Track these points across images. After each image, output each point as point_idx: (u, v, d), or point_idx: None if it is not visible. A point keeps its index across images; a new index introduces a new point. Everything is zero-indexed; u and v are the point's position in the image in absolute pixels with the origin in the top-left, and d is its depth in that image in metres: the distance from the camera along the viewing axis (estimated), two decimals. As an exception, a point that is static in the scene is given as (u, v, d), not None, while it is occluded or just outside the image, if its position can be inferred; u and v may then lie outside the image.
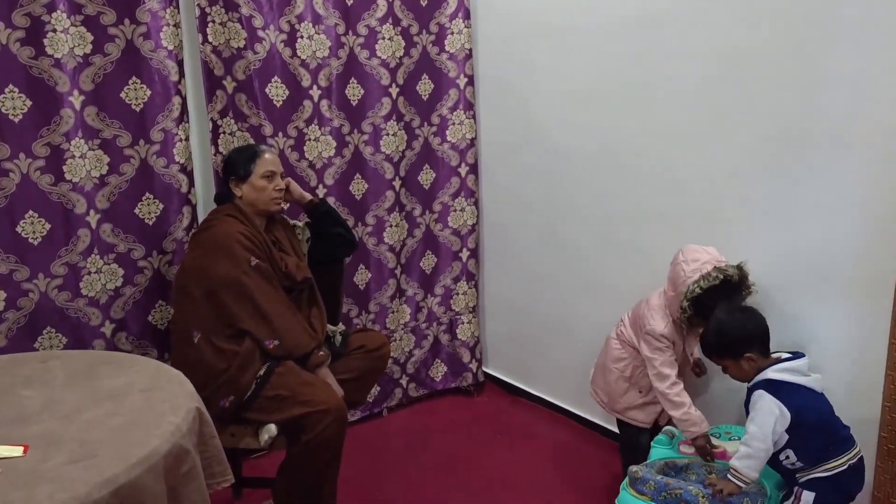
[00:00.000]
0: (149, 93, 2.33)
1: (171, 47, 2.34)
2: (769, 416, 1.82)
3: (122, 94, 2.29)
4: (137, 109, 2.32)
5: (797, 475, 1.90)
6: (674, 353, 2.22)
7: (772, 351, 1.95)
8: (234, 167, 2.25)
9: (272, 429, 2.06)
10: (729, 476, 1.88)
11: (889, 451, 2.03)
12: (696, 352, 2.32)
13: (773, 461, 1.91)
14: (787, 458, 1.89)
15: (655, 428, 2.36)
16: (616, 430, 2.82)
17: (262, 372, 2.08)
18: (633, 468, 1.99)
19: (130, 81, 2.30)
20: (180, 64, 2.38)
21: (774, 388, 1.85)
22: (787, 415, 1.82)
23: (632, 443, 2.40)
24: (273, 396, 2.06)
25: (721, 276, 2.06)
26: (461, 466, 2.72)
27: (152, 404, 1.63)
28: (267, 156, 2.26)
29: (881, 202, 1.96)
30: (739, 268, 2.11)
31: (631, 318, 2.37)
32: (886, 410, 2.02)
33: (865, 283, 2.02)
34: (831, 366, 2.09)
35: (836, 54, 1.99)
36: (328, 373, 2.20)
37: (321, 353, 2.19)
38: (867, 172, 1.98)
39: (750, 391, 1.91)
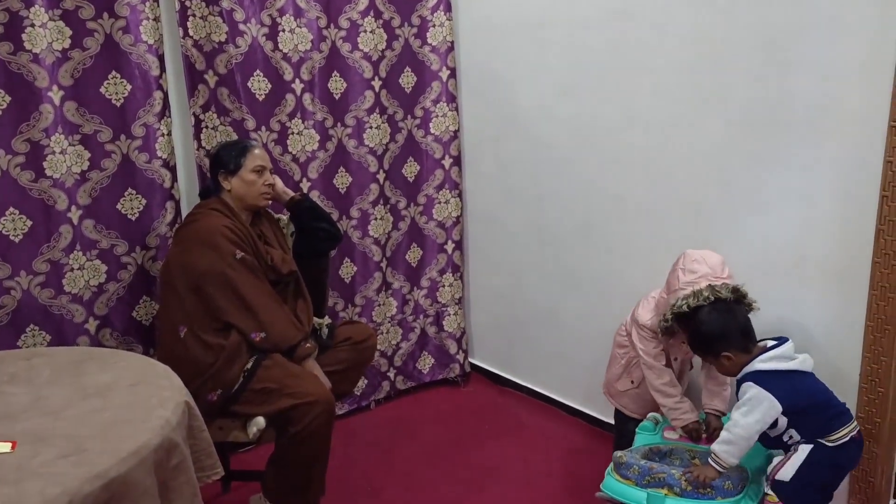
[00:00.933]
0: (129, 87, 2.32)
1: (151, 41, 2.32)
2: (757, 407, 1.84)
3: (102, 89, 2.27)
4: (118, 104, 2.31)
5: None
6: (661, 344, 2.23)
7: (758, 339, 1.96)
8: (224, 161, 2.25)
9: (260, 421, 2.06)
10: (709, 460, 1.91)
11: (865, 431, 2.07)
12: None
13: (776, 441, 1.93)
14: (791, 437, 1.91)
15: None
16: (605, 418, 2.86)
17: (249, 365, 2.09)
18: (618, 453, 2.02)
19: (110, 76, 2.28)
20: (161, 58, 2.37)
21: (763, 379, 1.86)
22: (778, 406, 1.84)
23: (620, 429, 2.44)
24: (261, 389, 2.07)
25: (712, 298, 1.96)
26: (449, 458, 2.73)
27: (141, 399, 1.63)
28: (257, 151, 2.27)
29: (856, 187, 1.99)
30: (735, 290, 1.99)
31: (635, 307, 2.38)
32: (863, 392, 2.06)
33: (842, 268, 2.06)
34: (808, 350, 2.13)
35: (808, 41, 2.03)
36: (315, 364, 2.21)
37: (308, 344, 2.20)
38: (842, 158, 2.01)
39: (739, 383, 1.92)
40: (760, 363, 1.89)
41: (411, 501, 2.48)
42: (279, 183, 2.40)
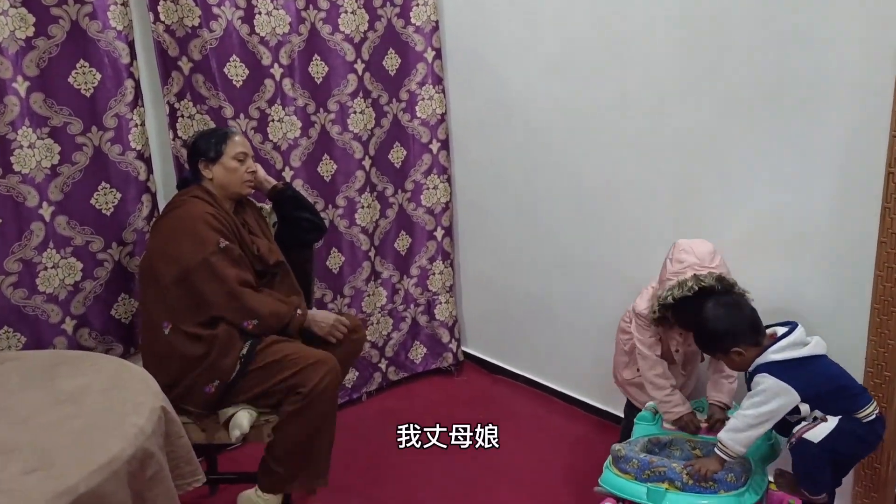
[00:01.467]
0: (99, 76, 2.21)
1: (120, 27, 2.22)
2: (773, 399, 1.76)
3: (70, 79, 2.17)
4: (87, 95, 2.20)
5: None
6: (656, 334, 2.16)
7: (779, 334, 1.87)
8: (204, 149, 2.16)
9: (244, 425, 1.99)
10: (715, 449, 1.84)
11: (872, 416, 2.02)
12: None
13: (791, 427, 1.86)
14: (816, 417, 1.83)
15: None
16: (601, 406, 2.81)
17: (244, 351, 2.02)
18: (616, 446, 1.95)
19: (78, 65, 2.17)
20: (131, 45, 2.26)
21: (779, 369, 1.78)
22: (797, 397, 1.77)
23: (627, 421, 2.37)
24: (263, 366, 2.02)
25: (696, 288, 1.93)
26: (443, 451, 2.66)
27: (114, 405, 1.55)
28: (237, 138, 2.19)
29: (858, 164, 1.92)
30: (721, 279, 1.95)
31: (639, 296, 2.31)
32: (869, 376, 2.00)
33: (845, 249, 1.99)
34: (812, 332, 2.06)
35: (805, 15, 1.94)
36: (317, 312, 2.20)
37: (299, 312, 2.15)
38: (842, 133, 1.94)
39: (751, 374, 1.85)
40: (774, 354, 1.81)
41: (405, 496, 2.42)
42: (261, 171, 2.32)
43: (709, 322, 1.88)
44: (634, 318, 2.18)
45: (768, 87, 2.05)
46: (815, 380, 1.79)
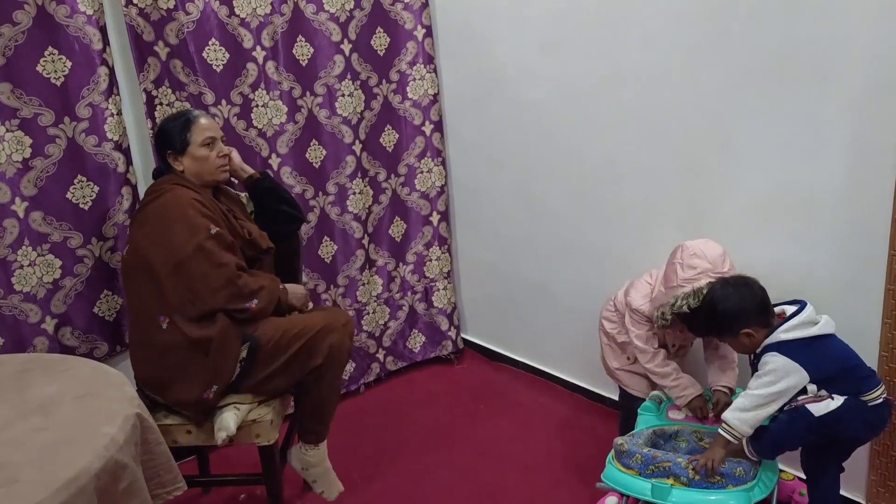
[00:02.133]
0: (69, 64, 2.11)
1: (89, 12, 2.11)
2: (782, 378, 1.70)
3: (39, 68, 2.07)
4: (58, 83, 2.10)
5: None
6: (653, 327, 2.08)
7: (788, 313, 1.79)
8: (169, 139, 2.04)
9: (231, 426, 1.90)
10: (720, 430, 1.76)
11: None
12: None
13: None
14: (822, 395, 1.76)
15: None
16: (603, 392, 2.73)
17: (244, 355, 1.94)
18: (619, 440, 1.86)
19: (47, 53, 2.07)
20: (103, 30, 2.15)
21: (788, 349, 1.72)
22: (806, 377, 1.70)
23: (625, 409, 2.29)
24: (270, 350, 1.95)
25: (701, 291, 1.86)
26: (445, 441, 2.60)
27: (86, 414, 1.47)
28: (202, 120, 2.06)
29: (868, 136, 1.81)
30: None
31: (626, 287, 2.22)
32: (883, 360, 1.90)
33: (856, 226, 1.89)
34: (824, 311, 1.97)
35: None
36: (291, 287, 2.13)
37: (282, 287, 2.09)
38: (851, 106, 1.83)
39: (759, 355, 1.77)
40: (783, 333, 1.74)
41: (406, 488, 2.35)
42: (236, 156, 2.19)
43: (718, 304, 1.81)
44: (629, 313, 2.10)
45: (775, 56, 1.94)
46: (825, 360, 1.73)
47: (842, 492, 2.06)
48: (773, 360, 1.72)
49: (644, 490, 1.76)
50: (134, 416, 1.48)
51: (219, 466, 2.41)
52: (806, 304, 1.78)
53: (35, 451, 1.34)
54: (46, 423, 1.44)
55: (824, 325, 1.75)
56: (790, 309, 1.79)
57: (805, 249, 2.00)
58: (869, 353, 1.91)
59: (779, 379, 1.71)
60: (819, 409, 1.72)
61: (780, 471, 1.96)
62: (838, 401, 1.72)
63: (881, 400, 1.73)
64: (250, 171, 2.23)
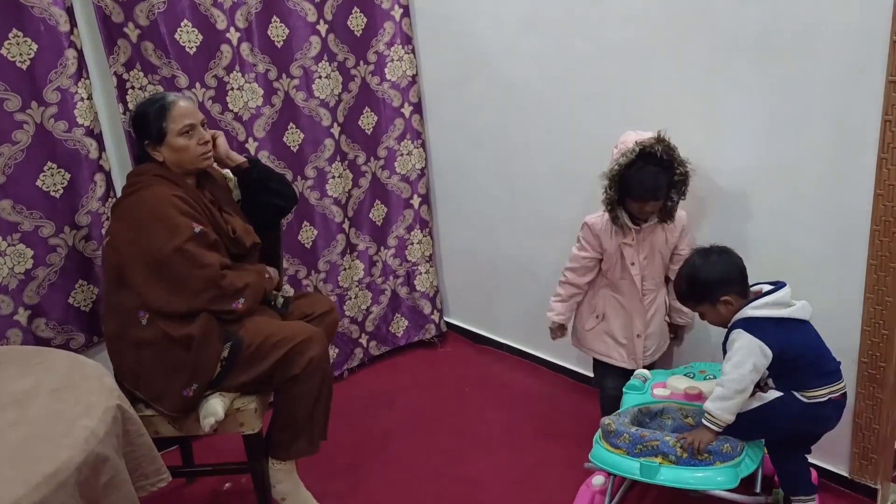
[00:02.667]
0: (35, 47, 2.04)
1: (55, -8, 2.04)
2: (748, 356, 1.70)
3: (4, 51, 1.99)
4: (24, 67, 2.03)
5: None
6: (592, 255, 2.18)
7: (751, 284, 1.81)
8: (146, 128, 1.94)
9: (219, 412, 1.87)
10: (703, 421, 1.76)
11: (869, 376, 1.95)
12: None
13: None
14: (767, 384, 1.81)
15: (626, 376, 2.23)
16: (590, 373, 2.73)
17: (225, 354, 1.89)
18: (606, 420, 1.86)
19: (11, 35, 2.00)
20: (69, 11, 2.08)
21: (754, 326, 1.72)
22: (769, 353, 1.70)
23: (600, 385, 2.30)
24: (246, 358, 1.90)
25: (637, 149, 1.95)
26: (431, 426, 2.59)
27: (63, 408, 1.43)
28: (181, 103, 1.94)
29: (853, 112, 1.81)
30: (661, 140, 1.96)
31: None
32: (866, 335, 1.92)
33: (839, 202, 1.89)
34: (807, 290, 1.97)
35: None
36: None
37: (267, 276, 2.07)
38: (837, 81, 1.82)
39: (729, 331, 1.78)
40: (752, 310, 1.75)
41: (393, 475, 2.34)
42: (223, 143, 2.10)
43: (700, 270, 1.82)
44: (580, 232, 2.18)
45: (758, 32, 1.92)
46: (787, 344, 1.72)
47: (825, 465, 2.10)
48: (739, 338, 1.73)
49: (633, 469, 1.77)
50: (114, 407, 1.44)
51: (202, 456, 2.37)
52: (784, 284, 1.78)
53: (11, 447, 1.30)
54: (22, 417, 1.40)
55: (797, 310, 1.75)
56: (767, 288, 1.79)
57: (788, 225, 2.01)
58: (853, 328, 1.93)
59: (746, 358, 1.70)
60: (750, 402, 1.76)
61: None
62: (771, 395, 1.76)
63: (825, 399, 1.73)
64: (239, 159, 2.13)
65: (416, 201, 3.04)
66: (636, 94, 2.25)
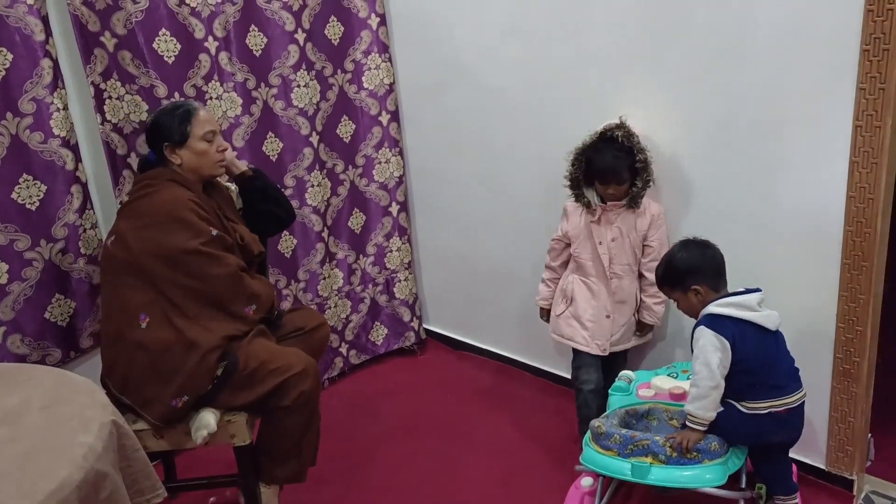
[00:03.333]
0: (10, 57, 1.99)
1: (30, 1, 1.99)
2: (712, 351, 1.75)
3: (-22, 61, 1.95)
4: (-1, 77, 1.98)
5: None
6: (562, 237, 2.30)
7: (739, 291, 1.85)
8: (167, 131, 1.95)
9: (212, 424, 1.84)
10: (687, 423, 1.81)
11: (844, 371, 2.02)
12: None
13: None
14: None
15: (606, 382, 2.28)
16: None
17: (219, 372, 1.87)
18: (595, 422, 1.90)
19: (-15, 45, 1.95)
20: (45, 21, 2.04)
21: (715, 322, 1.77)
22: (728, 346, 1.74)
23: (574, 381, 2.34)
24: (239, 381, 1.88)
25: (598, 132, 2.11)
26: (415, 433, 2.59)
27: (57, 423, 1.40)
28: (202, 113, 1.99)
29: (826, 117, 1.88)
30: (621, 126, 2.09)
31: None
32: (840, 332, 1.99)
33: (814, 205, 1.97)
34: (784, 289, 2.05)
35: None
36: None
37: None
38: (811, 85, 1.89)
39: (694, 328, 1.83)
40: (715, 306, 1.79)
41: (377, 485, 2.33)
42: (230, 152, 2.11)
43: (675, 256, 1.88)
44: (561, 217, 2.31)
45: (735, 38, 1.99)
46: (741, 346, 1.76)
47: (802, 458, 2.17)
48: (702, 336, 1.78)
49: (624, 470, 1.80)
50: (109, 422, 1.42)
51: (185, 470, 2.33)
52: (758, 291, 1.83)
53: (8, 464, 1.27)
54: (14, 434, 1.37)
55: (760, 316, 1.78)
56: (742, 290, 1.84)
57: (765, 227, 2.07)
58: (828, 325, 2.01)
59: (711, 354, 1.74)
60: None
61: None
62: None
63: (765, 412, 1.77)
64: (243, 167, 2.17)
65: (394, 209, 3.04)
66: (616, 100, 2.30)
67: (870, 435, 2.15)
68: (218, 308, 1.90)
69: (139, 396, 1.86)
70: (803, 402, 1.82)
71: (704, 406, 1.78)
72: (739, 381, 1.78)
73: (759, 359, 1.78)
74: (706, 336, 1.76)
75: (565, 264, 2.36)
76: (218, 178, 2.13)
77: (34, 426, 1.39)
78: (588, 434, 1.93)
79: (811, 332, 2.03)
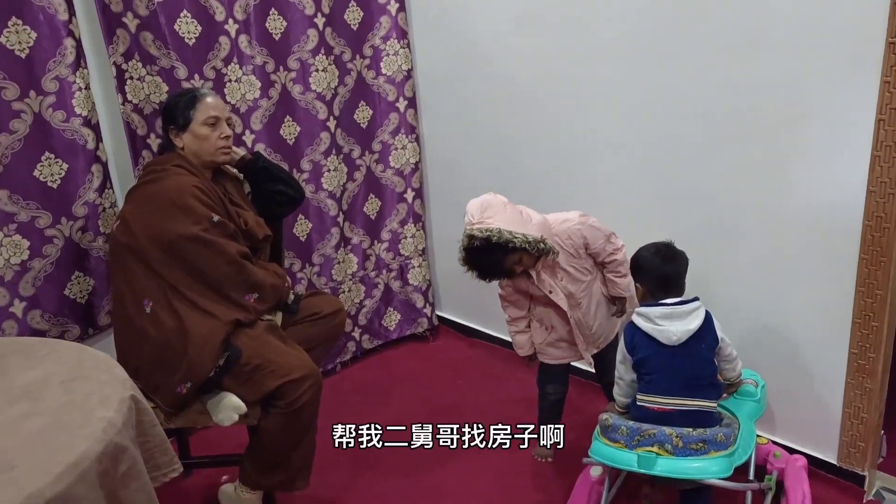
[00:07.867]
0: (34, 35, 2.01)
1: (54, -20, 2.01)
2: (621, 352, 1.94)
3: (3, 39, 1.96)
4: (23, 55, 2.00)
5: None
6: (516, 302, 2.23)
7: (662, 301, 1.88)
8: (173, 115, 1.99)
9: (241, 405, 1.87)
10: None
11: (859, 366, 2.01)
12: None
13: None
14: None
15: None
16: (581, 366, 2.77)
17: (221, 361, 1.87)
18: (603, 416, 1.91)
19: (10, 23, 1.97)
20: (68, 0, 2.05)
21: (627, 327, 1.93)
22: (625, 350, 1.92)
23: (540, 390, 2.36)
24: (241, 374, 1.89)
25: (465, 243, 2.00)
26: (427, 417, 2.57)
27: (77, 398, 1.42)
28: (209, 99, 2.01)
29: (847, 111, 1.86)
30: (473, 236, 1.96)
31: None
32: (856, 327, 1.98)
33: (832, 199, 1.95)
34: (801, 283, 2.05)
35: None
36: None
37: (287, 284, 2.10)
38: (831, 79, 1.87)
39: None
40: (636, 315, 1.91)
41: (391, 467, 2.35)
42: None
43: (641, 251, 1.97)
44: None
45: (753, 31, 1.97)
46: (635, 354, 1.89)
47: (814, 453, 2.17)
48: (621, 340, 1.95)
49: (630, 461, 1.80)
50: (129, 398, 1.44)
51: (198, 448, 2.37)
52: (693, 300, 1.85)
53: (28, 437, 1.29)
54: (35, 408, 1.39)
55: (658, 332, 1.82)
56: (674, 301, 1.86)
57: (779, 223, 2.06)
58: (844, 321, 2.00)
59: (620, 354, 1.95)
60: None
61: (757, 435, 2.04)
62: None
63: (640, 404, 1.88)
64: (241, 152, 2.18)
65: (409, 195, 3.05)
66: (631, 91, 2.29)
67: (882, 431, 2.14)
68: (219, 294, 1.90)
69: (149, 383, 1.88)
70: (695, 409, 1.84)
71: (617, 392, 2.00)
72: (640, 378, 1.91)
73: (653, 366, 1.86)
74: (621, 342, 1.95)
75: (525, 305, 2.23)
76: (227, 167, 2.14)
77: (54, 400, 1.41)
78: (597, 428, 1.93)
79: (826, 326, 2.02)
